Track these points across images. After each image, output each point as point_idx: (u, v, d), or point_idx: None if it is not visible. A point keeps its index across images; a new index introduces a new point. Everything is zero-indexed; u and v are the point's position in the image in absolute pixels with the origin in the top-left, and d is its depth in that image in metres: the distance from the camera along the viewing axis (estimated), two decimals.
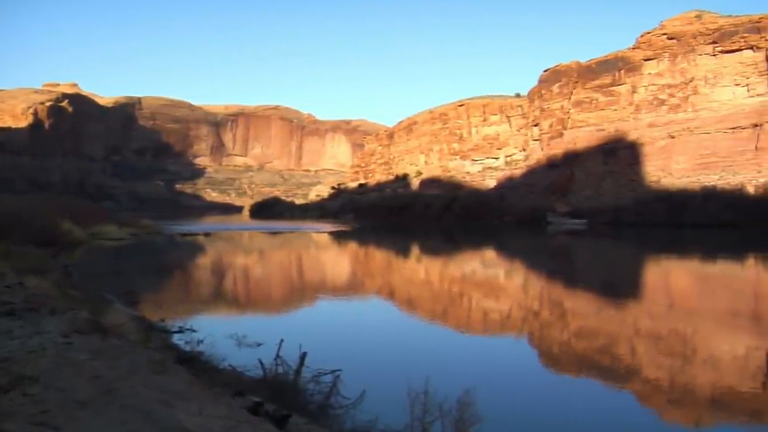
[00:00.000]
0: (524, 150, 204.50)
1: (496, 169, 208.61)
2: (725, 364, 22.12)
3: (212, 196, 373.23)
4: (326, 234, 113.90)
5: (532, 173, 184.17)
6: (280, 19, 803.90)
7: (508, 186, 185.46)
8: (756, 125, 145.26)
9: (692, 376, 20.68)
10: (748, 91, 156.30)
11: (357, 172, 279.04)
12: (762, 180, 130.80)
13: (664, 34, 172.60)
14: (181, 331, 23.57)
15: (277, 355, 14.52)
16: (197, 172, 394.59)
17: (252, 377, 14.54)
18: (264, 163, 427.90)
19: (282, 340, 14.91)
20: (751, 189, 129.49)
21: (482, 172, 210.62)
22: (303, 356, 14.12)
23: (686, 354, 23.92)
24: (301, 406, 12.62)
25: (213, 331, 21.79)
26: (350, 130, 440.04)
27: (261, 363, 14.43)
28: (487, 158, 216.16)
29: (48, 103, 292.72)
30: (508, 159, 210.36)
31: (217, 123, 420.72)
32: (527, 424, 15.35)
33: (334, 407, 13.20)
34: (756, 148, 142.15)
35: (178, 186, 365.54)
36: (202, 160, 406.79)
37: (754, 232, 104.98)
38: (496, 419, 13.93)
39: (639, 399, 18.30)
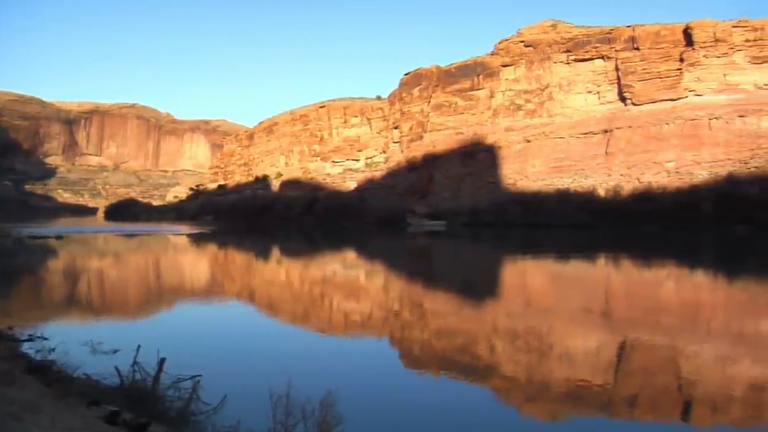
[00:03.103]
0: (384, 152, 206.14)
1: (356, 170, 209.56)
2: (579, 359, 22.56)
3: (64, 197, 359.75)
4: (185, 236, 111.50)
5: (392, 175, 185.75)
6: (137, 14, 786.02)
7: (368, 188, 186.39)
8: (606, 131, 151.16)
9: (548, 372, 20.97)
10: (599, 98, 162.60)
11: (216, 173, 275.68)
12: (612, 183, 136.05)
13: (522, 41, 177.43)
14: (31, 339, 22.22)
15: (135, 362, 13.90)
16: (48, 172, 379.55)
17: (108, 385, 13.92)
18: (119, 163, 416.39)
19: (139, 346, 14.24)
20: (601, 191, 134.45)
21: (343, 174, 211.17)
22: (161, 362, 13.55)
23: (542, 350, 24.28)
24: (160, 413, 12.14)
25: (66, 338, 20.69)
26: (209, 130, 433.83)
27: (117, 370, 13.80)
28: (348, 160, 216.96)
29: None
30: (369, 161, 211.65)
31: (70, 120, 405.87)
32: (390, 424, 15.19)
33: (195, 413, 12.75)
34: (606, 152, 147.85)
35: (27, 186, 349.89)
36: (53, 160, 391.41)
37: (605, 232, 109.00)
38: (359, 420, 13.80)
39: (498, 395, 18.39)
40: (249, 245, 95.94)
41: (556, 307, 34.79)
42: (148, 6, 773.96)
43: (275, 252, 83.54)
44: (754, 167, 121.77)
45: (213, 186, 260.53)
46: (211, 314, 33.10)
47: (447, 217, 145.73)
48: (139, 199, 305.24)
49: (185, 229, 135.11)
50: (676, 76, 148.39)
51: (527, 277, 52.74)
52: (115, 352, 20.02)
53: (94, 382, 14.35)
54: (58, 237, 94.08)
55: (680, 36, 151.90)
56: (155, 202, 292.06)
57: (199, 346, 23.37)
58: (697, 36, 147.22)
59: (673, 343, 24.63)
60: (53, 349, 17.04)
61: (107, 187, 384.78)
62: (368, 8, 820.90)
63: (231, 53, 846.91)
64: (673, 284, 45.89)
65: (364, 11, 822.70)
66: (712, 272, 54.61)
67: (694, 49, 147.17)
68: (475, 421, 15.73)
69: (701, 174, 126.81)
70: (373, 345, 25.75)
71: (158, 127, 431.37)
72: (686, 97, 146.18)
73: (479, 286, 45.60)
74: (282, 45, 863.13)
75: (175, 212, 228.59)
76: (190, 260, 71.14)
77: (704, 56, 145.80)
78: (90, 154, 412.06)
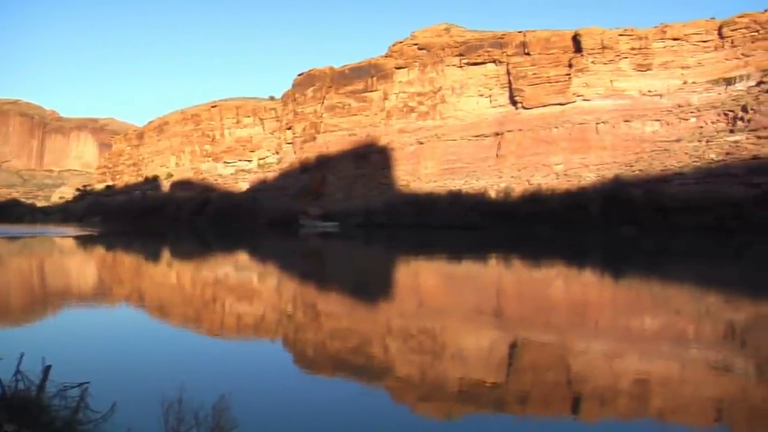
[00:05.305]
0: (277, 153, 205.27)
1: (249, 171, 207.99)
2: (472, 358, 22.58)
3: None
4: (71, 238, 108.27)
5: (285, 176, 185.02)
6: (20, 7, 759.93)
7: (261, 189, 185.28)
8: (497, 134, 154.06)
9: (442, 371, 20.90)
10: (490, 101, 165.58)
11: (104, 173, 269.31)
12: (502, 185, 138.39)
13: (415, 44, 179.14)
14: None
15: (17, 370, 13.13)
16: None
17: None
18: (1, 162, 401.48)
19: (23, 354, 13.52)
20: (492, 193, 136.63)
21: (235, 175, 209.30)
22: (46, 370, 12.82)
23: (436, 350, 24.22)
24: (46, 423, 11.48)
25: None
26: (97, 128, 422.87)
27: None
28: (240, 161, 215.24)
29: None
30: (261, 162, 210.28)
31: None
32: (285, 426, 14.88)
33: (83, 422, 12.11)
34: (497, 155, 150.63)
35: None
36: None
37: (496, 233, 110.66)
38: (254, 423, 13.53)
39: (392, 396, 18.24)
40: (138, 247, 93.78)
41: (449, 307, 34.90)
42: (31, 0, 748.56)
43: (165, 254, 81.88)
44: (639, 170, 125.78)
45: (101, 186, 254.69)
46: (99, 318, 31.98)
47: (340, 218, 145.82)
48: (23, 199, 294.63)
49: (72, 231, 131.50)
50: (565, 81, 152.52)
51: (420, 277, 52.92)
52: None
53: None
54: None
55: (569, 42, 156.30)
56: (40, 203, 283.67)
57: (87, 352, 22.46)
58: (586, 43, 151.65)
59: (563, 341, 24.92)
60: None
61: None
62: (260, 7, 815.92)
63: (120, 50, 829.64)
64: (562, 283, 46.66)
65: (257, 10, 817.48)
66: (599, 271, 55.90)
67: (582, 55, 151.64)
68: (369, 422, 15.54)
69: (589, 176, 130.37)
70: (266, 347, 25.32)
71: (43, 124, 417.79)
72: (575, 101, 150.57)
73: (372, 287, 45.46)
74: (173, 43, 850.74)
75: (61, 214, 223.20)
76: (77, 263, 68.93)
77: (592, 62, 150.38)
78: None
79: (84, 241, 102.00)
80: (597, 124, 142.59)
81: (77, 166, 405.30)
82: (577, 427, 15.65)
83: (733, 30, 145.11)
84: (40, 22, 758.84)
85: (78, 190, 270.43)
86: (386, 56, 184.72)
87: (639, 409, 16.62)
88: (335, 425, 15.06)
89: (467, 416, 16.32)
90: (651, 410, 16.46)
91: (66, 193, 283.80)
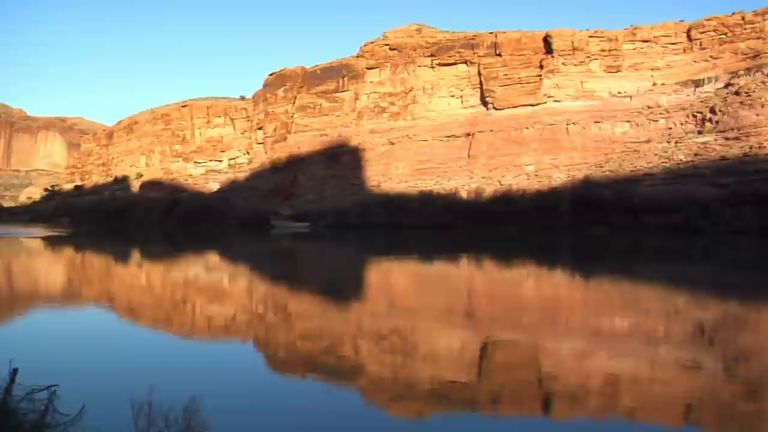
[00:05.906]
0: (248, 153, 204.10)
1: (219, 172, 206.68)
2: (443, 358, 22.60)
3: None
4: (39, 239, 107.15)
5: (256, 177, 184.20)
6: None
7: (231, 189, 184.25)
8: (468, 134, 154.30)
9: (413, 371, 20.89)
10: (462, 102, 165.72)
11: (73, 174, 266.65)
12: (474, 185, 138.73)
13: (387, 44, 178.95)
14: None
15: None
16: None
17: None
18: None
19: None
20: (464, 193, 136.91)
21: (205, 175, 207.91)
22: (14, 373, 12.66)
23: (407, 350, 24.21)
24: (13, 427, 11.33)
25: None
26: (66, 128, 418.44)
27: None
28: (211, 161, 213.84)
29: None
30: (232, 162, 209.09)
31: None
32: (257, 428, 14.84)
33: (51, 425, 11.88)
34: (468, 155, 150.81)
35: None
36: None
37: (467, 233, 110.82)
38: (225, 425, 13.48)
39: (364, 396, 18.23)
40: (108, 248, 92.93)
41: (421, 308, 34.92)
42: None
43: (135, 255, 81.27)
44: (609, 171, 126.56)
45: (69, 187, 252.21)
46: (68, 320, 31.63)
47: (311, 219, 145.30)
48: None
49: (39, 231, 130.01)
50: (536, 82, 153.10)
51: (391, 278, 52.88)
52: None
53: None
54: None
55: (540, 43, 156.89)
56: (6, 204, 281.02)
57: (56, 354, 22.24)
58: (556, 44, 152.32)
59: (534, 340, 25.02)
60: None
61: None
62: (231, 6, 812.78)
63: (89, 48, 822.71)
64: (533, 283, 46.85)
65: (228, 9, 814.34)
66: (569, 271, 56.15)
67: (553, 56, 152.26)
68: (341, 423, 15.52)
69: (559, 177, 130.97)
70: (237, 349, 25.20)
71: (10, 123, 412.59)
72: (545, 102, 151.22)
73: (344, 288, 45.40)
74: (143, 42, 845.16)
75: (29, 214, 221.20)
76: (45, 264, 68.13)
77: (563, 64, 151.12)
78: None
79: (52, 242, 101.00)
80: (567, 125, 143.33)
81: (45, 166, 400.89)
82: (549, 426, 15.73)
83: (701, 32, 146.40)
84: (8, 21, 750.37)
85: (46, 190, 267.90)
86: (357, 56, 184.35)
87: (610, 407, 16.74)
88: (307, 426, 15.06)
89: (439, 416, 16.35)
90: (621, 409, 16.59)
91: (34, 193, 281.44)
